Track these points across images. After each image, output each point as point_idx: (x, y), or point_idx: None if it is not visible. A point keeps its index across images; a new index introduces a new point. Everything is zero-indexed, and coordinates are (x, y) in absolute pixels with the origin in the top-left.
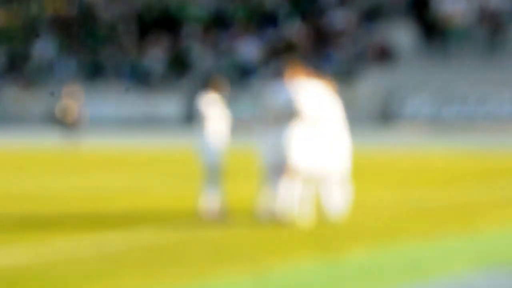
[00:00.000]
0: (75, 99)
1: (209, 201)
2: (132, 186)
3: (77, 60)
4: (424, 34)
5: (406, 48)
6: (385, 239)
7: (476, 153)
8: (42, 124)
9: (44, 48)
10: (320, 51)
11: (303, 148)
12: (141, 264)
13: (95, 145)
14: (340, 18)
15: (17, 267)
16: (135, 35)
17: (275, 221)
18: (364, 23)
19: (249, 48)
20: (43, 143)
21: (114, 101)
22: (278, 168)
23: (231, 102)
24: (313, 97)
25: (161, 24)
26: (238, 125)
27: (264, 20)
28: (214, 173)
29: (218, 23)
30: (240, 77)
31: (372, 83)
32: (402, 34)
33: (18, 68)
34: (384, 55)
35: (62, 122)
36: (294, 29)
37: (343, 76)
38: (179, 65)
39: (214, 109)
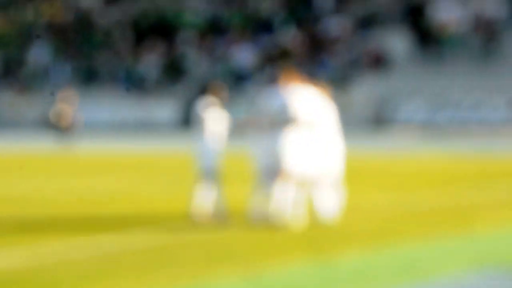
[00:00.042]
0: (70, 103)
1: (203, 203)
2: (126, 189)
3: (72, 65)
4: (419, 41)
5: (401, 55)
6: (378, 241)
7: (470, 157)
8: (37, 129)
9: (39, 54)
10: (315, 58)
11: (297, 152)
12: (136, 266)
13: (90, 149)
14: (335, 25)
15: (11, 269)
16: (130, 41)
17: (268, 224)
18: (359, 30)
19: (244, 55)
20: (38, 147)
21: (109, 106)
22: (272, 172)
23: (226, 108)
24: (307, 103)
25: (157, 30)
26: (233, 130)
27: (260, 27)
28: (212, 177)
29: (213, 29)
30: (235, 83)
31: (367, 89)
32: (397, 41)
33: (13, 73)
34: (379, 61)
35: (57, 127)
36: (290, 36)
37: (338, 82)
38: (174, 71)
39: (212, 113)
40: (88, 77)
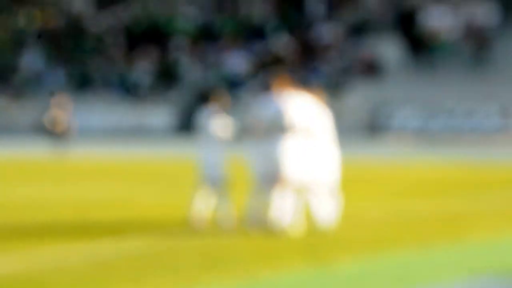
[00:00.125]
0: (64, 109)
1: (201, 210)
2: (121, 195)
3: (65, 71)
4: (411, 49)
5: (393, 62)
6: (374, 249)
7: (463, 165)
8: (31, 134)
9: (32, 59)
10: (308, 65)
11: (293, 159)
12: (131, 272)
13: (84, 155)
14: (327, 32)
15: (6, 275)
16: (123, 47)
17: (265, 230)
18: (351, 37)
19: (237, 61)
20: (32, 153)
21: (103, 111)
22: (269, 179)
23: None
24: (301, 109)
25: (149, 36)
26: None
27: (252, 33)
28: (218, 185)
29: (206, 36)
30: (228, 89)
31: (360, 96)
32: (389, 49)
33: (6, 79)
34: (371, 69)
35: (51, 132)
36: (282, 43)
37: (330, 89)
38: (167, 77)
39: (217, 120)
40: (82, 83)
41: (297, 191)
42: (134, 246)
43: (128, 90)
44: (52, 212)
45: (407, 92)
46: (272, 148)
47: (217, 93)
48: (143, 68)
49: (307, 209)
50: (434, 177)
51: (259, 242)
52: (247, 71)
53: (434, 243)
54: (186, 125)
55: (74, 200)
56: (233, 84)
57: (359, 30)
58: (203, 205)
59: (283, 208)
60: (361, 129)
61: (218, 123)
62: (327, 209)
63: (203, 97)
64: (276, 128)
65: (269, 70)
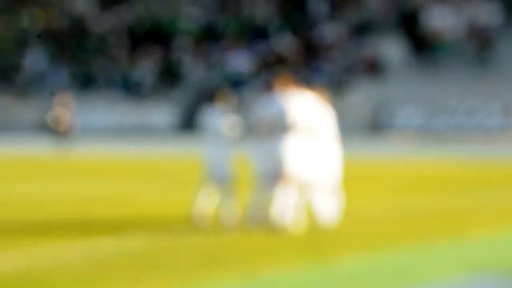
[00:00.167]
0: (67, 108)
1: (204, 207)
2: (122, 193)
3: (68, 70)
4: (414, 48)
5: (396, 61)
6: (375, 246)
7: (465, 163)
8: (34, 133)
9: (35, 59)
10: (311, 64)
11: (295, 157)
12: (131, 269)
13: (86, 153)
14: (330, 32)
15: (6, 272)
16: (126, 47)
17: (267, 227)
18: (354, 36)
19: (240, 61)
20: (35, 152)
21: (105, 110)
22: (272, 176)
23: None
24: (304, 108)
25: (152, 36)
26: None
27: (255, 33)
28: (225, 184)
29: (209, 36)
30: (231, 89)
31: (363, 95)
32: (391, 48)
33: (10, 78)
34: (374, 68)
35: (53, 131)
36: (285, 42)
37: (333, 88)
38: (170, 76)
39: (224, 120)
40: (85, 82)
41: (299, 189)
42: (134, 244)
43: (130, 89)
44: (53, 209)
45: (410, 91)
46: (274, 147)
47: (222, 93)
48: (146, 68)
49: (309, 207)
50: (436, 175)
51: (260, 239)
52: (250, 71)
53: (434, 239)
54: (189, 124)
55: (75, 197)
56: (236, 84)
57: (362, 29)
58: (206, 202)
59: (285, 206)
60: (364, 128)
61: (225, 122)
62: (329, 207)
63: (206, 97)
64: (279, 127)
65: (272, 70)
